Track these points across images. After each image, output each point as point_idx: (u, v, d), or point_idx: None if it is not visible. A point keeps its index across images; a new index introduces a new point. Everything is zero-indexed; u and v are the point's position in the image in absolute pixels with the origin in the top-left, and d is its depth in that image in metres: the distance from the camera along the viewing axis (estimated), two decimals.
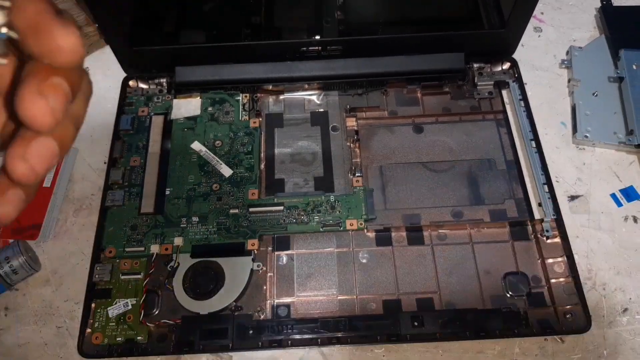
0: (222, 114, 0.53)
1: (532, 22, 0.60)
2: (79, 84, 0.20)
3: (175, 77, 0.53)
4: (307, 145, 0.52)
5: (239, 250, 0.45)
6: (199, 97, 0.54)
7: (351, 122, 0.53)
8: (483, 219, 0.47)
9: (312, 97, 0.55)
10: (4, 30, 0.16)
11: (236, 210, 0.47)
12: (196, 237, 0.46)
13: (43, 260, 0.47)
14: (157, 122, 0.52)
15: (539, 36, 0.60)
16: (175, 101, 0.53)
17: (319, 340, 0.42)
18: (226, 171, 0.49)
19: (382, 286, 0.45)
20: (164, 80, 0.54)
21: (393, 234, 0.47)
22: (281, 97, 0.55)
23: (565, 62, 0.57)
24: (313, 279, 0.45)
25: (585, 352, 0.42)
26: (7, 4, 0.16)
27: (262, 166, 0.51)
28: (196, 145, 0.51)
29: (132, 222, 0.47)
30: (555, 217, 0.47)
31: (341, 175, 0.50)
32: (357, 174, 0.49)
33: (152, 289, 0.44)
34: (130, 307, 0.43)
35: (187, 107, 0.53)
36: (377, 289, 0.44)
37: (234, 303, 0.43)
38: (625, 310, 0.44)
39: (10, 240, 0.47)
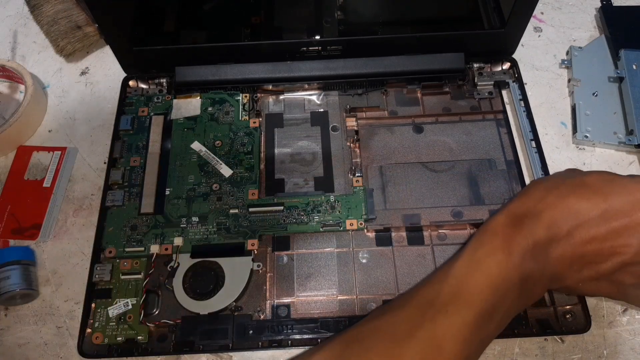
0: (222, 114, 0.53)
1: (532, 22, 0.60)
2: None
3: (175, 77, 0.53)
4: (307, 145, 0.52)
5: (239, 250, 0.45)
6: (199, 97, 0.54)
7: (351, 122, 0.53)
8: (483, 219, 0.47)
9: (312, 97, 0.55)
10: None
11: (236, 210, 0.47)
12: (196, 237, 0.46)
13: (43, 260, 0.47)
14: (157, 122, 0.52)
15: (539, 36, 0.60)
16: (175, 101, 0.53)
17: (319, 340, 0.42)
18: (226, 171, 0.49)
19: (382, 286, 0.45)
20: (164, 80, 0.55)
21: (393, 234, 0.47)
22: (281, 97, 0.55)
23: (565, 62, 0.57)
24: (313, 279, 0.45)
25: (585, 352, 0.42)
26: None
27: (262, 166, 0.51)
28: (196, 145, 0.51)
29: (132, 222, 0.47)
30: None
31: (341, 175, 0.50)
32: (357, 174, 0.49)
33: (152, 289, 0.44)
34: (130, 307, 0.43)
35: (187, 107, 0.53)
36: (377, 289, 0.44)
37: (234, 303, 0.43)
38: (625, 310, 0.44)
39: (11, 242, 0.47)
